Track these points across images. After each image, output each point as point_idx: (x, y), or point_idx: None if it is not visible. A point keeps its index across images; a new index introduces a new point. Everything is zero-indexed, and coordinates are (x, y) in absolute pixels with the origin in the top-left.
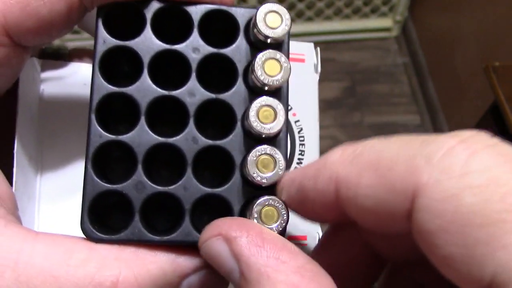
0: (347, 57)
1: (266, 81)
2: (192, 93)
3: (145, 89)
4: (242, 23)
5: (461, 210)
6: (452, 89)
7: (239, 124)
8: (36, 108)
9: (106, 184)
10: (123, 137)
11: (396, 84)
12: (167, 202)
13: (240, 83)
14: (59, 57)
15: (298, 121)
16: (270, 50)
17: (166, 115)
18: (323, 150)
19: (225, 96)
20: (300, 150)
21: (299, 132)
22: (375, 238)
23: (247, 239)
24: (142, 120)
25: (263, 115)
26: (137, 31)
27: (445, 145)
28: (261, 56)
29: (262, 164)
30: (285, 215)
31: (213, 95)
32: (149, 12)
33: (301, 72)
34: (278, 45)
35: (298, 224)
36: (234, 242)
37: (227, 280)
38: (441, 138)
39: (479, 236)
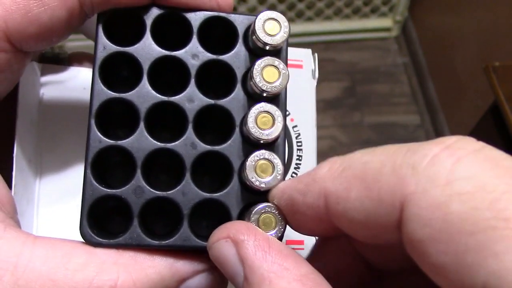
0: (347, 57)
1: (264, 88)
2: (191, 99)
3: (144, 94)
4: (241, 30)
5: (450, 218)
6: (452, 89)
7: (237, 130)
8: (36, 112)
9: (105, 189)
10: (122, 142)
11: (396, 84)
12: (166, 207)
13: (238, 89)
14: (59, 62)
15: (295, 126)
16: (269, 57)
17: (166, 120)
18: (323, 150)
19: (223, 102)
20: (297, 155)
21: (296, 138)
22: (367, 248)
23: (254, 243)
24: (141, 126)
25: (261, 121)
26: (137, 38)
27: (429, 153)
28: (260, 63)
29: (260, 169)
30: (282, 222)
31: (212, 101)
32: (149, 19)
33: (299, 78)
34: (277, 52)
35: None
36: (241, 245)
37: (225, 284)
38: (425, 146)
39: (469, 244)
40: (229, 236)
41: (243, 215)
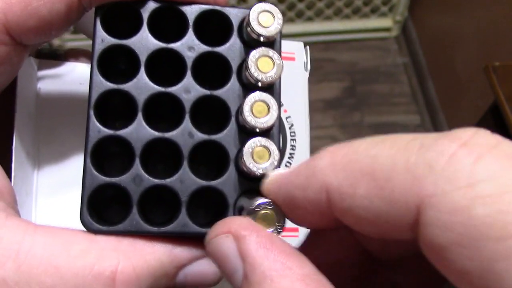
0: (347, 57)
1: (259, 78)
2: (188, 89)
3: (142, 86)
4: (235, 22)
5: (474, 223)
6: (452, 89)
7: (233, 119)
8: (34, 106)
9: (104, 178)
10: (121, 132)
11: (396, 84)
12: (164, 195)
13: (234, 80)
14: (56, 57)
15: (289, 117)
16: (263, 48)
17: (163, 111)
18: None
19: (219, 92)
20: (291, 145)
21: (290, 128)
22: (368, 240)
23: (256, 240)
24: (140, 116)
25: (256, 110)
26: (134, 30)
27: (446, 150)
28: (254, 54)
29: (257, 155)
30: (282, 218)
31: (208, 92)
32: (146, 12)
33: (291, 70)
34: (271, 43)
35: None
36: (242, 241)
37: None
38: (440, 142)
39: (497, 250)
40: (230, 231)
41: (240, 205)
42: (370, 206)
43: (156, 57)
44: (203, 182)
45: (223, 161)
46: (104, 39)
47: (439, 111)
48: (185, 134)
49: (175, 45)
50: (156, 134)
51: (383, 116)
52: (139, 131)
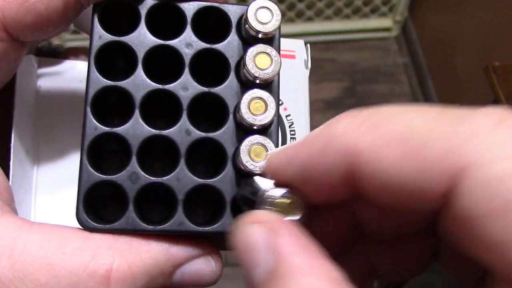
0: (347, 57)
1: (257, 74)
2: (185, 87)
3: (139, 83)
4: (234, 19)
5: None
6: (452, 89)
7: (231, 117)
8: (33, 103)
9: (100, 175)
10: (118, 129)
11: (396, 84)
12: (161, 194)
13: (232, 77)
14: (56, 55)
15: (289, 115)
16: (261, 45)
17: (161, 109)
18: None
19: (217, 90)
20: None
21: (290, 127)
22: (370, 216)
23: (291, 236)
24: (137, 113)
25: (254, 107)
26: (132, 27)
27: (487, 122)
28: (252, 50)
29: (254, 153)
30: (302, 207)
31: (206, 89)
32: (144, 9)
33: (291, 68)
34: (269, 40)
35: None
36: (277, 233)
37: (220, 270)
38: (480, 115)
39: None
40: (265, 222)
41: (244, 195)
42: (399, 172)
43: (153, 54)
44: (200, 180)
45: (220, 159)
46: (101, 35)
47: None
48: (182, 131)
49: (172, 42)
50: (153, 131)
51: None
52: (136, 128)
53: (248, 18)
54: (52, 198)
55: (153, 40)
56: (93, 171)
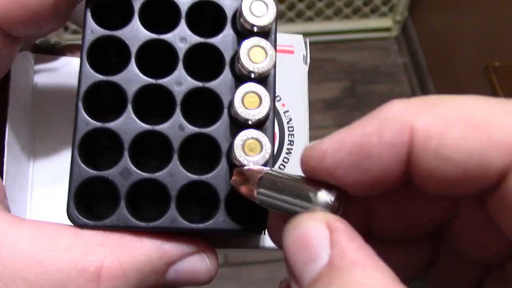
0: (347, 57)
1: (251, 68)
2: (179, 81)
3: (132, 77)
4: (229, 13)
5: None
6: (452, 89)
7: (225, 112)
8: (29, 100)
9: (92, 171)
10: (110, 125)
11: (396, 84)
12: (154, 191)
13: (227, 71)
14: (53, 52)
15: (287, 111)
16: (255, 38)
17: (155, 105)
18: None
19: (212, 84)
20: (289, 140)
21: (288, 123)
22: (385, 211)
23: (348, 234)
24: (129, 108)
25: (248, 101)
26: (125, 21)
27: None
28: (246, 44)
29: (248, 148)
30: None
31: (200, 84)
32: (137, 3)
33: (290, 63)
34: (265, 34)
35: None
36: (337, 230)
37: (215, 268)
38: None
39: None
40: (324, 219)
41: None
42: (461, 148)
43: (147, 48)
44: (193, 177)
45: (214, 155)
46: (94, 30)
47: None
48: (176, 127)
49: (166, 36)
50: (146, 126)
51: None
52: (128, 124)
53: (243, 11)
54: (49, 195)
55: (146, 35)
56: (84, 166)
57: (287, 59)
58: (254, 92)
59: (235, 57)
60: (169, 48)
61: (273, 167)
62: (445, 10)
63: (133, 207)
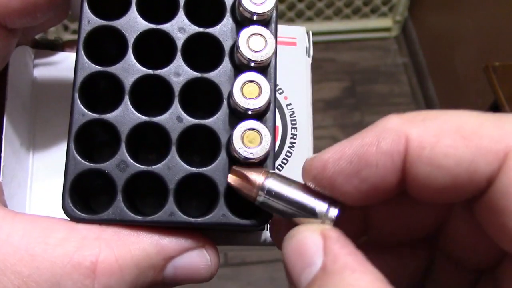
0: (347, 57)
1: (250, 57)
2: (177, 72)
3: (129, 68)
4: (228, 2)
5: None
6: (452, 89)
7: (225, 103)
8: (28, 95)
9: (88, 163)
10: (107, 116)
11: (396, 84)
12: (152, 184)
13: (226, 62)
14: (53, 48)
15: (289, 104)
16: (255, 26)
17: (153, 96)
18: (322, 150)
19: (211, 75)
20: (292, 134)
21: (291, 116)
22: (387, 221)
23: (340, 242)
24: (126, 99)
25: (247, 90)
26: (123, 12)
27: None
28: (245, 32)
29: (248, 139)
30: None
31: (198, 74)
32: None
33: (292, 55)
34: (266, 22)
35: None
36: (330, 238)
37: (215, 264)
38: None
39: None
40: (319, 229)
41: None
42: (453, 153)
43: (145, 38)
44: (192, 169)
45: (214, 147)
46: (90, 20)
47: None
48: (174, 118)
49: (164, 26)
50: (143, 118)
51: (383, 116)
52: (125, 115)
53: None
54: (48, 190)
55: (144, 24)
56: (80, 159)
57: (289, 51)
58: (253, 81)
59: (235, 47)
60: (167, 38)
61: (275, 161)
62: (445, 10)
63: (131, 201)
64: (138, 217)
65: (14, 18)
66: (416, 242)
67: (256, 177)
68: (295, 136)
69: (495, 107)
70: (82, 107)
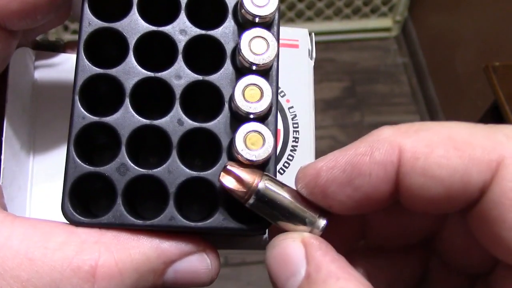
0: (347, 57)
1: (252, 60)
2: (179, 75)
3: (130, 70)
4: (230, 4)
5: None
6: (452, 89)
7: (226, 106)
8: (29, 97)
9: (87, 166)
10: (107, 119)
11: (396, 84)
12: (152, 188)
13: (228, 64)
14: (54, 49)
15: (292, 107)
16: (257, 28)
17: (154, 100)
18: (323, 150)
19: (212, 78)
20: (294, 137)
21: (292, 119)
22: (383, 227)
23: (325, 249)
24: (127, 102)
25: (249, 94)
26: (124, 13)
27: None
28: (247, 34)
29: (250, 141)
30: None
31: (200, 77)
32: None
33: (295, 58)
34: (268, 25)
35: None
36: (311, 247)
37: (215, 268)
38: (506, 126)
39: None
40: (300, 237)
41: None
42: (447, 164)
43: (146, 41)
44: (193, 173)
45: (215, 150)
46: (91, 22)
47: (439, 111)
48: (174, 121)
49: (165, 28)
50: (144, 121)
51: (383, 116)
52: (126, 118)
53: (244, 1)
54: (49, 193)
55: (145, 26)
56: (80, 162)
57: (291, 54)
58: (255, 84)
59: (236, 50)
60: (168, 41)
61: (277, 164)
62: (445, 10)
63: (131, 204)
64: (138, 221)
65: (14, 19)
66: (411, 247)
67: (250, 179)
68: (297, 139)
69: (495, 107)
70: (82, 110)
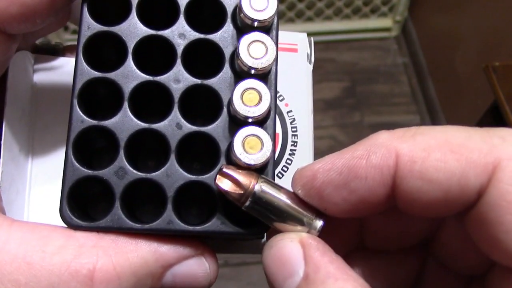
0: (347, 57)
1: (251, 64)
2: (177, 79)
3: (128, 74)
4: (229, 8)
5: None
6: (452, 89)
7: (225, 110)
8: (28, 100)
9: (86, 170)
10: (105, 122)
11: (396, 84)
12: (151, 191)
13: (227, 68)
14: (54, 53)
15: (290, 111)
16: (255, 32)
17: (153, 104)
18: (322, 150)
19: (211, 82)
20: (292, 141)
21: (291, 123)
22: (380, 229)
23: (322, 249)
24: (125, 106)
25: (247, 98)
26: (123, 17)
27: (509, 133)
28: (246, 39)
29: (249, 145)
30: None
31: (198, 81)
32: None
33: (293, 62)
34: (267, 29)
35: None
36: (309, 247)
37: (214, 272)
38: (501, 129)
39: None
40: (297, 238)
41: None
42: (444, 167)
43: (144, 44)
44: (191, 177)
45: (213, 154)
46: (90, 25)
47: (439, 111)
48: (173, 125)
49: (164, 32)
50: (142, 125)
51: (383, 116)
52: (124, 122)
53: (243, 5)
54: (47, 197)
55: (144, 30)
56: (78, 165)
57: (290, 58)
58: (253, 88)
59: (235, 54)
60: (167, 45)
61: (275, 168)
62: (445, 10)
63: (129, 208)
64: (137, 224)
65: (13, 23)
66: (408, 249)
67: (246, 181)
68: (295, 143)
69: (495, 107)
70: (81, 113)
